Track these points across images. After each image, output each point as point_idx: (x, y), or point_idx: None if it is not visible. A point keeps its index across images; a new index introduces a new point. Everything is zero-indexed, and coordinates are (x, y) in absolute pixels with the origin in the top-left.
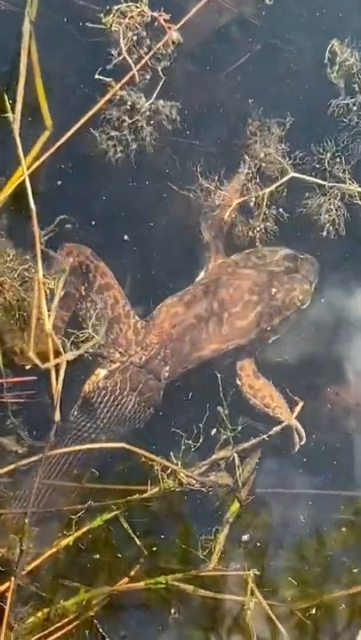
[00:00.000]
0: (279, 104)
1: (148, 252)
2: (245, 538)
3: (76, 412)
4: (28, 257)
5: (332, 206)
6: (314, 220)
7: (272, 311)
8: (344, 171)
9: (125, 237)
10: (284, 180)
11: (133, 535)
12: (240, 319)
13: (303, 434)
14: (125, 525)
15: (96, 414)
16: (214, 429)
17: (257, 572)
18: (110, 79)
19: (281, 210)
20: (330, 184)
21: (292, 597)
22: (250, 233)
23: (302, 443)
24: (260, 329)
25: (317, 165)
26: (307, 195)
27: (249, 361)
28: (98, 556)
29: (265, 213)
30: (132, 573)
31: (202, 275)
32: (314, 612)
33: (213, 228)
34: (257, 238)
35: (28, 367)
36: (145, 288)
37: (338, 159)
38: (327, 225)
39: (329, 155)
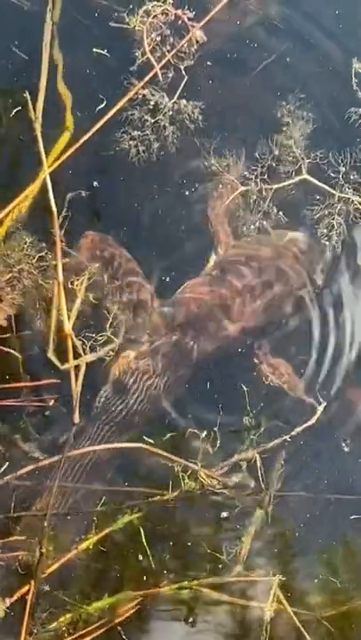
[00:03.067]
0: (303, 108)
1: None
2: (224, 515)
3: (103, 398)
4: (44, 244)
5: (333, 222)
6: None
7: (287, 291)
8: (358, 186)
9: (95, 184)
10: (295, 180)
11: (144, 541)
12: (260, 299)
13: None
14: (140, 530)
15: (129, 395)
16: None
17: (282, 578)
18: (106, 52)
19: (281, 213)
20: (340, 194)
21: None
22: (244, 227)
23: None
24: (278, 308)
25: (332, 174)
26: (317, 197)
27: (266, 340)
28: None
29: (265, 210)
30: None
31: (214, 259)
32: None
33: (220, 215)
34: (249, 235)
35: None
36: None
37: (354, 172)
38: (324, 239)
39: (345, 168)
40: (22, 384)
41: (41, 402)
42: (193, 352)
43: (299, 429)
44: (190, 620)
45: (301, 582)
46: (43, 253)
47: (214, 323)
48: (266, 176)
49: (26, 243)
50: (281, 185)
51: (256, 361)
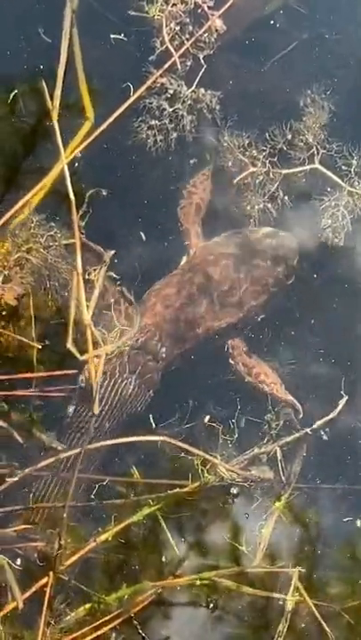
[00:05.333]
0: (323, 97)
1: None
2: (234, 491)
3: (73, 406)
4: (53, 224)
5: (338, 214)
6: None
7: (259, 288)
8: None
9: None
10: (306, 168)
11: (168, 533)
12: (230, 297)
13: (300, 408)
14: (161, 521)
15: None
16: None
17: (302, 570)
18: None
19: (286, 197)
20: (349, 188)
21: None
22: (248, 207)
23: (300, 416)
24: (250, 306)
25: (343, 167)
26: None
27: (239, 340)
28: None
29: (272, 194)
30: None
31: (185, 260)
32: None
33: (190, 215)
34: (251, 215)
35: None
36: None
37: None
38: (327, 230)
39: (357, 162)
40: (37, 374)
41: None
42: (161, 354)
43: (320, 422)
44: (211, 605)
45: (320, 573)
46: (52, 233)
47: (182, 323)
48: (276, 159)
49: (32, 222)
50: (290, 171)
51: (231, 362)
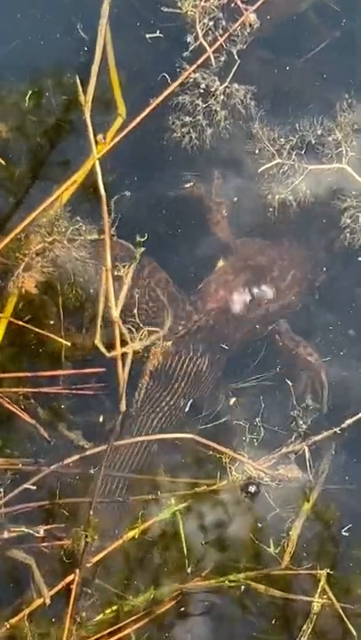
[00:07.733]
0: (355, 96)
1: None
2: (252, 489)
3: (143, 390)
4: (78, 218)
5: (360, 215)
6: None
7: (302, 274)
8: None
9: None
10: (333, 167)
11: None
12: (281, 281)
13: (325, 384)
14: (179, 521)
15: (173, 379)
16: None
17: (330, 572)
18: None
19: (308, 192)
20: None
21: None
22: (269, 197)
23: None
24: (295, 291)
25: None
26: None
27: (284, 321)
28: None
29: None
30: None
31: (221, 262)
32: None
33: (222, 224)
34: (272, 205)
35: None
36: None
37: None
38: (346, 231)
39: None
40: (66, 372)
41: (82, 389)
42: (227, 335)
43: (350, 421)
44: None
45: (346, 574)
46: (77, 226)
47: (244, 306)
48: (304, 152)
49: (57, 214)
50: (317, 167)
51: (278, 337)
